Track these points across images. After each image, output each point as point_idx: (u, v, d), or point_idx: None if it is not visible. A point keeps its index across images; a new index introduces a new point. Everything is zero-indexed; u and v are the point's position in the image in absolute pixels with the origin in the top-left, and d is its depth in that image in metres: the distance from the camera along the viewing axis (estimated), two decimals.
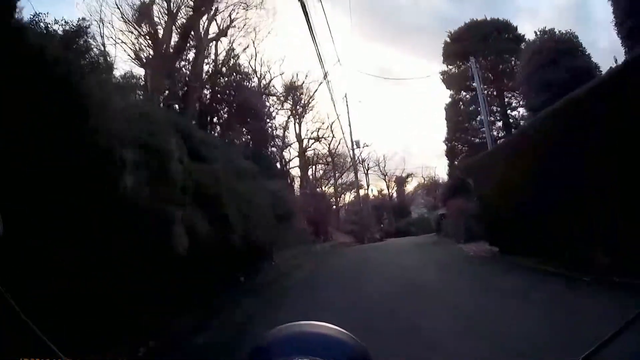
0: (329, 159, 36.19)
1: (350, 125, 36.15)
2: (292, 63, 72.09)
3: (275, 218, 11.62)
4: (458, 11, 63.10)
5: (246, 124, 15.31)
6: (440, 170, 78.82)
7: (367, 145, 37.69)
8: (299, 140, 30.66)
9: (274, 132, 17.45)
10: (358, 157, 39.63)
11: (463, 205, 18.59)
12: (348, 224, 40.92)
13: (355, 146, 36.08)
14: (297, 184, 34.31)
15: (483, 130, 20.59)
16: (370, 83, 76.35)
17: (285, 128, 27.68)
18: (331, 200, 40.88)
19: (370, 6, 67.55)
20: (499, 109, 20.14)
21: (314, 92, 32.91)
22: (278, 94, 24.76)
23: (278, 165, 22.49)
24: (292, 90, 26.07)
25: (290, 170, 30.22)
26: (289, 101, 27.74)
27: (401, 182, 57.05)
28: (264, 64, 25.53)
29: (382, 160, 51.35)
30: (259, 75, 24.83)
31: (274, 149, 17.76)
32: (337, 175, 41.22)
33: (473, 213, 18.15)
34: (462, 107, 20.60)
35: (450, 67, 21.32)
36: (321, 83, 30.48)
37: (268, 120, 16.68)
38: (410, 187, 58.70)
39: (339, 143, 37.66)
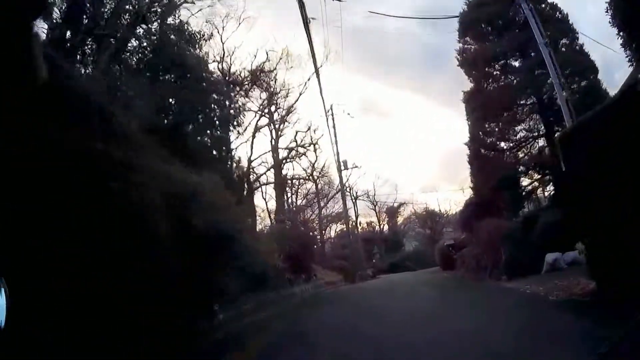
0: (312, 176, 30.63)
1: (336, 143, 30.90)
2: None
3: (202, 240, 5.93)
4: (443, 42, 60.97)
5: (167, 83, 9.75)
6: (432, 201, 74.39)
7: (356, 167, 32.34)
8: (274, 150, 25.13)
9: (216, 103, 11.87)
10: (346, 182, 34.24)
11: (501, 227, 13.13)
12: (335, 260, 35.06)
13: (342, 167, 30.76)
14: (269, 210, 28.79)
15: (517, 130, 15.44)
16: (358, 112, 72.29)
17: (255, 132, 22.19)
18: (315, 232, 35.08)
19: (355, 38, 64.99)
20: (534, 96, 15.06)
21: (296, 101, 28.03)
22: (242, 79, 19.39)
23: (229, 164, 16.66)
24: (261, 76, 20.77)
25: (258, 182, 24.49)
26: (258, 99, 22.43)
27: (392, 212, 51.61)
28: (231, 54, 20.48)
29: (372, 188, 46.00)
30: (221, 68, 19.65)
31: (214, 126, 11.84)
32: (321, 202, 35.64)
33: (517, 236, 12.78)
34: (493, 87, 15.35)
35: (468, 45, 16.44)
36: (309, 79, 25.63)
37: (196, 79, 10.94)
38: (402, 218, 53.47)
39: (325, 163, 32.35)
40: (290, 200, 31.62)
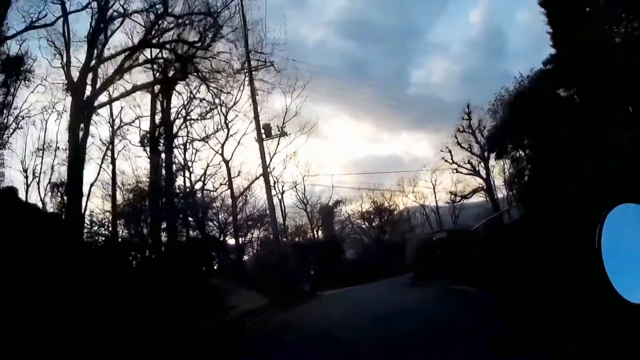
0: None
1: (255, 98, 20.89)
2: None
3: None
4: (366, 54, 58.35)
5: None
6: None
7: (284, 134, 22.35)
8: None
9: None
10: (269, 162, 24.28)
11: None
12: (259, 274, 25.15)
13: (263, 134, 20.68)
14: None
15: None
16: None
17: None
18: (227, 233, 24.81)
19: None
20: None
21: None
22: None
23: None
24: None
25: None
26: None
27: (328, 213, 42.39)
28: None
29: (302, 179, 36.03)
30: None
31: None
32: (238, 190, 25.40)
33: None
34: None
35: None
36: None
37: None
38: (339, 220, 44.37)
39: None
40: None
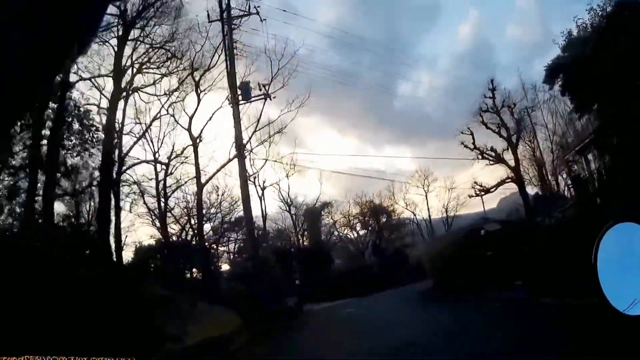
0: None
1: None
2: None
3: None
4: (353, 66, 54.09)
5: None
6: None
7: (269, 97, 16.65)
8: None
9: None
10: (247, 140, 18.90)
11: None
12: (234, 283, 20.30)
13: (239, 95, 15.39)
14: None
15: None
16: None
17: None
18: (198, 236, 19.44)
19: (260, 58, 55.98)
20: None
21: None
22: None
23: None
24: None
25: None
26: None
27: (314, 215, 36.97)
28: None
29: (286, 173, 30.18)
30: None
31: None
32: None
33: None
34: None
35: None
36: None
37: None
38: (327, 224, 38.99)
39: None
40: None
